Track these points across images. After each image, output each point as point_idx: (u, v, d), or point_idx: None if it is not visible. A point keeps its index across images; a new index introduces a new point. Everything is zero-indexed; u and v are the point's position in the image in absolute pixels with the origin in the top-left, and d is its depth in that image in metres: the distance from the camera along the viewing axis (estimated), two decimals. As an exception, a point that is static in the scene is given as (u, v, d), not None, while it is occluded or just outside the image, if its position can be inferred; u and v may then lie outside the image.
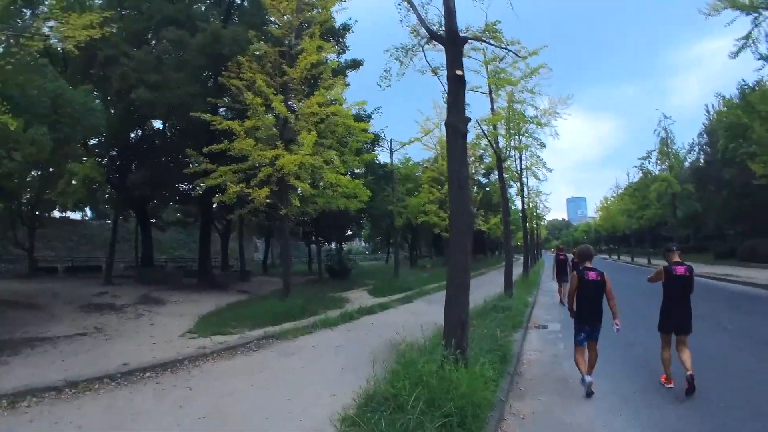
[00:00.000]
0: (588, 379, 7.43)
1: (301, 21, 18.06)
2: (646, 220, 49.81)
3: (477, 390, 6.04)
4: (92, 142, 23.90)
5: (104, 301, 17.77)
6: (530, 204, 44.01)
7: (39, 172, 23.52)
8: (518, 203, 37.01)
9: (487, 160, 27.86)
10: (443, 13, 7.74)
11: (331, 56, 20.58)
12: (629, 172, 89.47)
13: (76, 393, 7.87)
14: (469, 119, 7.74)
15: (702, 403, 6.84)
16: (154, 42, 22.24)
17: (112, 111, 21.79)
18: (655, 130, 45.27)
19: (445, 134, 8.05)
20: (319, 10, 18.32)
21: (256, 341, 11.90)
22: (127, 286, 22.89)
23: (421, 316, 14.82)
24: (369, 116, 26.94)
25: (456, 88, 7.37)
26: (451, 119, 7.32)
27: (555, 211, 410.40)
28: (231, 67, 17.10)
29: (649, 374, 8.32)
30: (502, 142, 20.04)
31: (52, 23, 11.23)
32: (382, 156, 32.45)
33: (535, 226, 56.92)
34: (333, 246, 43.34)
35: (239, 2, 24.29)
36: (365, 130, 19.65)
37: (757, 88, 23.01)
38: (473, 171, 35.11)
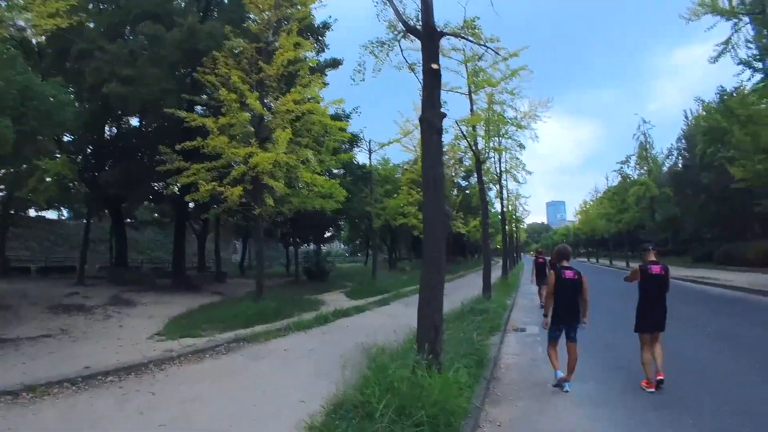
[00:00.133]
0: (560, 374, 7.66)
1: (280, 17, 17.74)
2: (625, 223, 50.12)
3: (450, 397, 5.79)
4: (66, 138, 23.36)
5: (74, 302, 17.29)
6: (509, 207, 44.12)
7: (11, 170, 22.93)
8: (498, 206, 37.00)
9: (467, 162, 27.82)
10: (420, 7, 7.52)
11: (310, 54, 20.34)
12: (608, 176, 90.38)
13: (34, 398, 7.51)
14: (445, 115, 7.49)
15: (685, 409, 6.65)
16: (132, 37, 21.79)
17: (87, 106, 21.28)
18: (635, 134, 45.73)
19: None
20: (299, 7, 18.00)
21: (226, 344, 11.57)
22: (100, 287, 22.37)
23: (398, 318, 14.60)
24: (348, 116, 26.66)
25: (431, 82, 7.12)
26: (426, 114, 7.08)
27: (534, 214, 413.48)
28: (206, 63, 16.74)
29: (629, 377, 8.13)
30: (481, 144, 19.91)
31: (17, 11, 10.87)
32: (361, 157, 32.28)
33: (514, 229, 57.10)
34: (312, 247, 43.00)
35: (219, -1, 23.91)
36: (343, 129, 19.40)
37: (735, 94, 23.17)
38: (453, 173, 35.11)
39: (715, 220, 47.47)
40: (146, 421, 6.60)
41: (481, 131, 19.64)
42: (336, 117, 21.38)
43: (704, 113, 34.84)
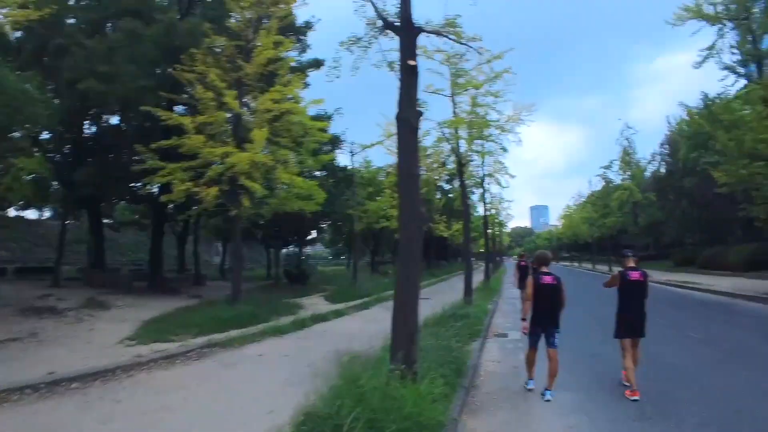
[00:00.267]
0: (531, 384, 7.95)
1: (260, 15, 17.46)
2: (608, 228, 50.22)
3: (425, 409, 5.50)
4: (44, 136, 22.86)
5: (46, 305, 16.80)
6: (492, 211, 44.09)
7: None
8: (481, 210, 36.93)
9: (451, 165, 27.60)
10: (399, 2, 7.25)
11: (292, 54, 20.10)
12: (591, 181, 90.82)
13: (-8, 404, 7.14)
14: (422, 113, 7.25)
15: (671, 420, 6.46)
16: (115, 33, 21.37)
17: (63, 102, 20.79)
18: (618, 139, 45.85)
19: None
20: (282, 5, 17.72)
21: (198, 350, 11.21)
22: (75, 289, 21.82)
23: (377, 323, 14.25)
24: (329, 117, 26.30)
25: (409, 79, 6.84)
26: (402, 113, 6.79)
27: (518, 218, 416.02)
28: (185, 60, 16.39)
29: (613, 386, 7.98)
30: (463, 146, 19.70)
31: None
32: (343, 159, 31.97)
33: (497, 232, 57.10)
34: (296, 250, 42.62)
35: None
36: (323, 130, 19.07)
37: (718, 100, 23.35)
38: (436, 177, 34.88)
39: (697, 224, 47.96)
40: (107, 432, 6.27)
41: (463, 134, 19.44)
42: (317, 118, 21.04)
43: (688, 118, 34.96)
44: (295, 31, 23.44)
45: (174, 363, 10.24)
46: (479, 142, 21.22)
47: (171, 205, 21.46)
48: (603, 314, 13.99)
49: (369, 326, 13.93)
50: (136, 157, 16.89)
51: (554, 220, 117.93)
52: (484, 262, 39.59)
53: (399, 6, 7.34)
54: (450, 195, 48.90)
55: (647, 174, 50.53)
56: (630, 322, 7.73)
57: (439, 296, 18.26)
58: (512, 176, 29.16)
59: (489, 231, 39.21)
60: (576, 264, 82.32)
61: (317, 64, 25.34)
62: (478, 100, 18.62)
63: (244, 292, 18.45)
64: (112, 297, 19.76)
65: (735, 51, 21.59)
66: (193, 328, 13.39)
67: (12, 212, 34.77)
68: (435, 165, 30.22)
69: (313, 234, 41.88)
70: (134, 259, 45.12)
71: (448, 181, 47.35)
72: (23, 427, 6.46)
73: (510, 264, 70.97)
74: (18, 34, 18.26)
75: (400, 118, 6.83)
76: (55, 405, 7.41)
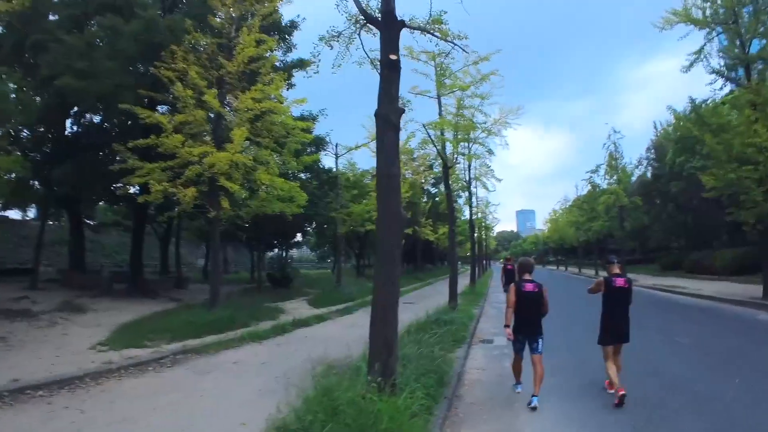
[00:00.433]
0: (519, 388, 7.98)
1: (243, 12, 17.14)
2: (594, 232, 50.31)
3: (403, 423, 5.18)
4: (24, 134, 22.38)
5: (20, 307, 16.30)
6: (479, 214, 44.07)
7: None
8: (467, 213, 36.82)
9: (437, 169, 27.45)
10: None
11: (278, 54, 19.78)
12: (578, 185, 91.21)
13: (-51, 414, 6.80)
14: (403, 110, 6.91)
15: (662, 428, 6.27)
16: (94, 29, 20.93)
17: (40, 99, 20.39)
18: (605, 143, 45.80)
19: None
20: (266, 3, 17.38)
21: (172, 356, 10.85)
22: (52, 291, 21.27)
23: (360, 328, 13.89)
24: (314, 118, 25.88)
25: (389, 74, 6.51)
26: (381, 109, 6.45)
27: (504, 222, 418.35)
28: (165, 57, 16.00)
29: (602, 395, 7.73)
30: (449, 149, 19.45)
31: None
32: (328, 161, 31.64)
33: (483, 236, 57.04)
34: (282, 253, 42.24)
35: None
36: (306, 130, 18.68)
37: (705, 105, 23.34)
38: (422, 180, 34.69)
39: (683, 229, 48.39)
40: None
41: (449, 135, 19.21)
42: (301, 119, 20.70)
43: (675, 122, 35.04)
44: (280, 31, 23.10)
45: (146, 370, 9.88)
46: (465, 144, 21.10)
47: (152, 206, 21.10)
48: (589, 320, 13.79)
49: (351, 331, 13.65)
50: (118, 157, 16.45)
51: (541, 224, 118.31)
52: (470, 266, 39.52)
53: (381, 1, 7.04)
54: (436, 198, 48.79)
55: (633, 178, 50.60)
56: (615, 328, 7.74)
57: (424, 301, 17.99)
58: (499, 180, 29.27)
59: (475, 235, 39.10)
60: (562, 268, 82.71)
61: (303, 64, 24.93)
62: (464, 102, 18.48)
63: (226, 296, 18.07)
64: (89, 300, 19.26)
65: (723, 55, 21.59)
66: (168, 333, 12.96)
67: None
68: (422, 168, 30.01)
69: (298, 237, 41.43)
70: (118, 261, 44.57)
71: (435, 185, 47.23)
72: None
73: (496, 268, 71.11)
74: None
75: (379, 115, 6.49)
76: (18, 414, 7.10)
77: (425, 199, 48.47)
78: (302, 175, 26.06)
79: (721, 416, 6.61)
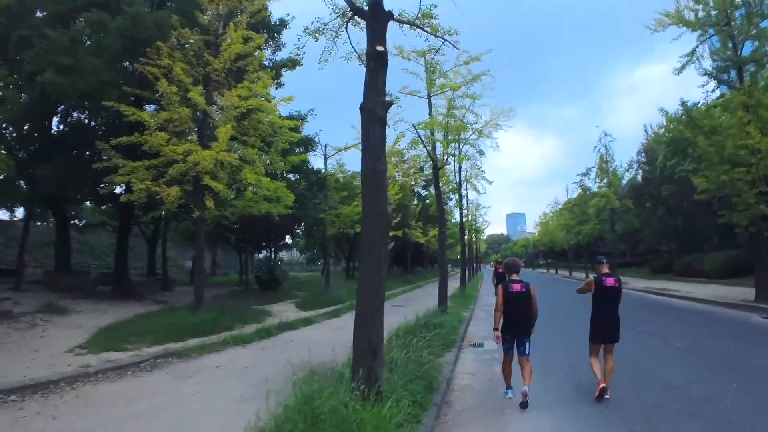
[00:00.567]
0: (510, 393, 7.73)
1: (232, 9, 16.90)
2: (585, 235, 50.27)
3: (388, 433, 4.88)
4: (9, 132, 21.98)
5: (1, 308, 15.91)
6: (469, 217, 43.97)
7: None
8: (457, 216, 36.72)
9: (428, 171, 27.20)
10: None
11: (266, 52, 19.49)
12: (568, 188, 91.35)
13: None
14: (391, 103, 6.64)
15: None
16: (80, 25, 20.57)
17: (24, 96, 20.00)
18: (596, 146, 45.86)
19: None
20: (255, 1, 17.09)
21: (152, 360, 10.53)
22: (36, 292, 20.94)
23: (347, 331, 13.59)
24: (302, 117, 25.59)
25: (376, 66, 6.23)
26: (367, 102, 6.16)
27: (495, 225, 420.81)
28: (151, 54, 15.68)
29: (592, 400, 7.46)
30: (439, 149, 19.22)
31: None
32: (317, 162, 31.35)
33: (474, 239, 56.97)
34: (271, 255, 41.86)
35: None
36: (294, 129, 18.37)
37: (697, 107, 23.36)
38: (413, 182, 34.40)
39: (674, 232, 48.65)
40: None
41: (440, 136, 19.00)
42: (289, 118, 20.43)
43: (667, 124, 35.11)
44: (269, 29, 22.81)
45: (124, 375, 9.58)
46: (456, 145, 20.94)
47: (138, 207, 20.73)
48: (581, 322, 13.60)
49: (337, 335, 13.35)
50: (104, 156, 16.09)
51: (531, 227, 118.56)
52: (460, 269, 39.36)
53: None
54: (427, 201, 48.65)
55: (624, 182, 50.70)
56: (604, 328, 7.79)
57: (413, 304, 17.75)
58: (489, 182, 29.13)
59: (465, 237, 38.94)
60: (553, 271, 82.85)
61: (293, 64, 24.62)
62: (455, 103, 18.39)
63: (212, 299, 17.76)
64: (73, 302, 18.92)
65: (716, 57, 21.55)
66: (150, 336, 12.66)
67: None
68: (412, 170, 29.76)
69: (287, 239, 41.08)
70: (107, 263, 44.12)
71: (425, 187, 47.04)
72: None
73: (487, 271, 71.08)
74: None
75: (364, 108, 6.19)
76: (-14, 420, 6.72)
77: (416, 202, 48.35)
78: (291, 176, 25.82)
79: (718, 418, 6.50)
